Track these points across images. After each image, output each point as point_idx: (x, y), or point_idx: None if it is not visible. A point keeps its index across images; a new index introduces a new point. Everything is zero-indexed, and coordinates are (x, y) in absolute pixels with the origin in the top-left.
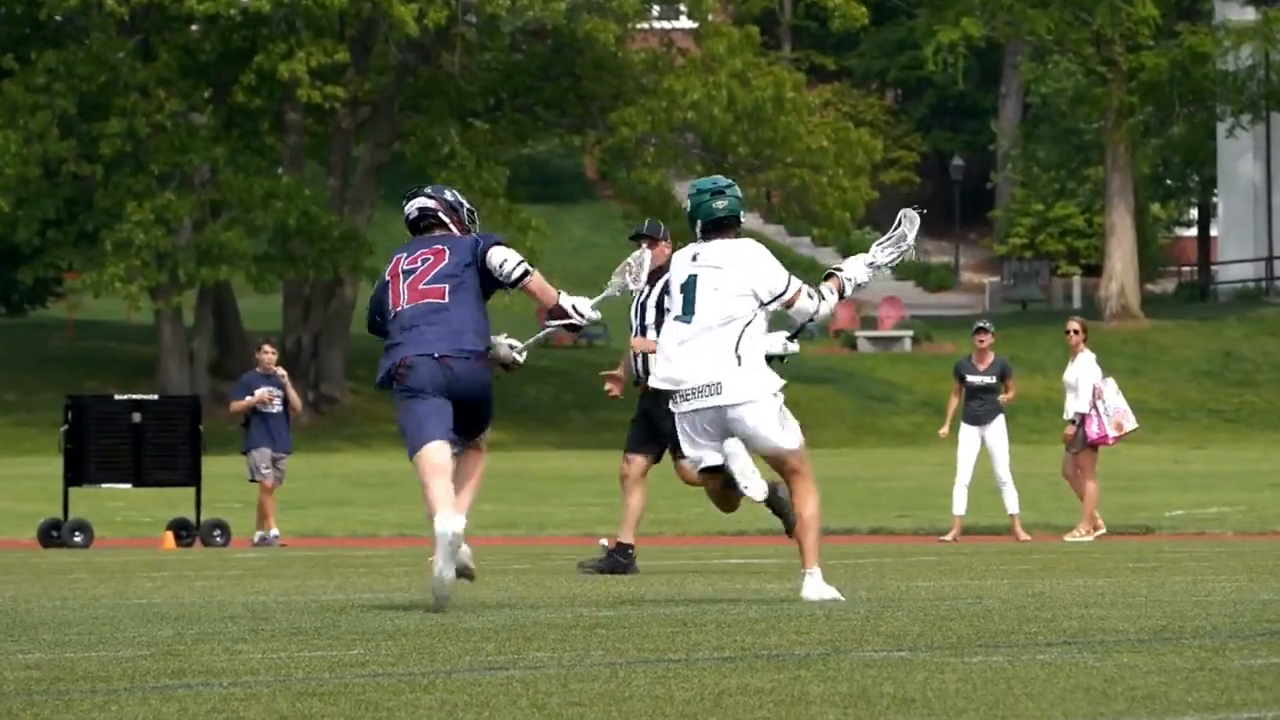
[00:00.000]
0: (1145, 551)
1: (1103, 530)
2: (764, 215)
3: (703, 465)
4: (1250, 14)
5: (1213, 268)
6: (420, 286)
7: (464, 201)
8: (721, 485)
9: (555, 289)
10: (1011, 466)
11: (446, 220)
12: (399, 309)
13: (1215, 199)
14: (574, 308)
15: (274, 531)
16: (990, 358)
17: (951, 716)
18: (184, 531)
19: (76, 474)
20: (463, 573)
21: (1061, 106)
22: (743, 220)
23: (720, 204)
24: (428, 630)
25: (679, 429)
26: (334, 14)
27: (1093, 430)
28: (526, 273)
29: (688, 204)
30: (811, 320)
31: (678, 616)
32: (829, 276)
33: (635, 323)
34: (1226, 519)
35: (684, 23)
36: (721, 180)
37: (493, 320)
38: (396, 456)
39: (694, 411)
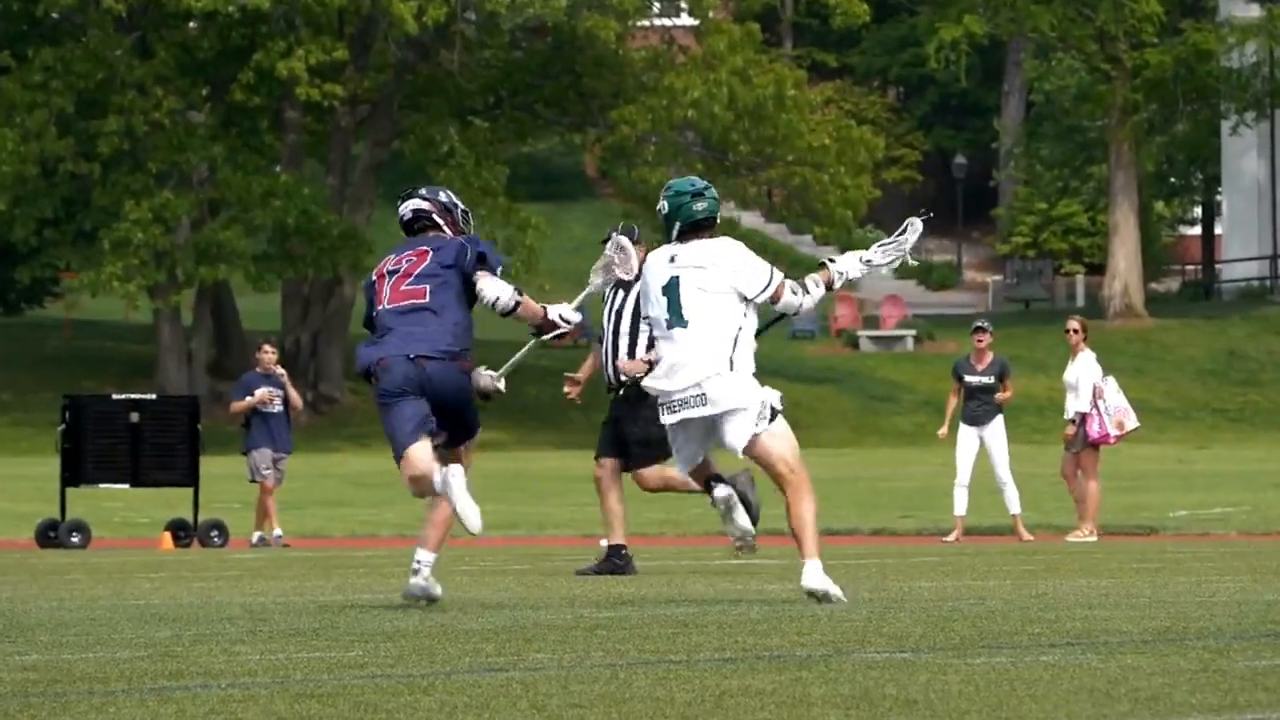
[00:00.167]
0: (1149, 552)
1: (1078, 532)
2: (765, 214)
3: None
4: (1255, 11)
5: (1217, 266)
6: (403, 287)
7: (458, 203)
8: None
9: (538, 303)
10: (1012, 466)
11: (441, 222)
12: (380, 308)
13: (1219, 197)
14: (561, 317)
15: (277, 532)
16: (989, 358)
17: (954, 718)
18: (182, 532)
19: (74, 474)
20: (425, 596)
21: (1065, 104)
22: (740, 222)
23: (700, 206)
24: (427, 631)
25: (670, 436)
26: (333, 11)
27: (1094, 429)
28: (518, 302)
29: (664, 205)
30: (795, 314)
31: (678, 617)
32: (821, 266)
33: (608, 326)
34: (1231, 519)
35: (685, 20)
36: (699, 182)
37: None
38: None
39: (682, 422)
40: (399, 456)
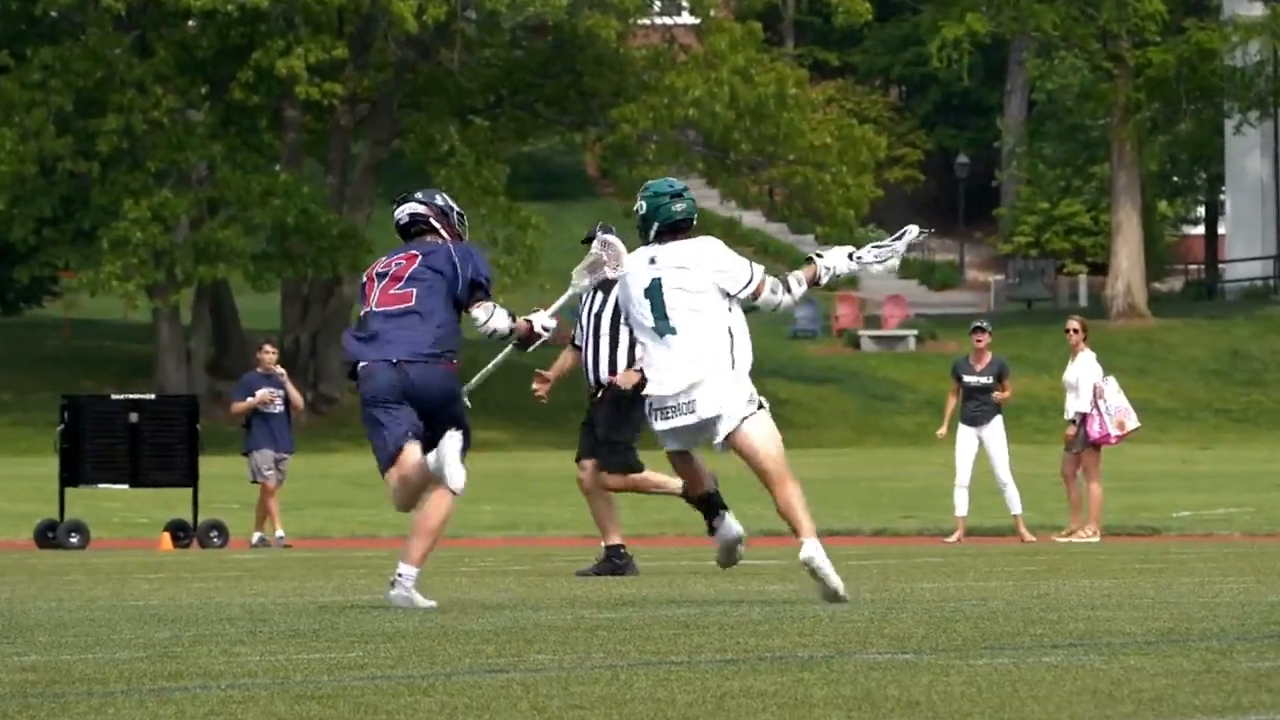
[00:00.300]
0: (1152, 553)
1: (1080, 533)
2: (766, 213)
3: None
4: (1259, 9)
5: (1220, 266)
6: (391, 290)
7: (454, 206)
8: (685, 463)
9: (517, 316)
10: (1013, 467)
11: (437, 225)
12: (368, 309)
13: (1223, 196)
14: (543, 327)
15: (280, 533)
16: (988, 358)
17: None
18: (181, 532)
19: (73, 474)
20: (403, 605)
21: (1067, 103)
22: (741, 221)
23: (679, 207)
24: (427, 632)
25: (659, 438)
26: (332, 10)
27: (1094, 430)
28: (512, 329)
29: (641, 206)
30: (774, 311)
31: (679, 618)
32: (808, 261)
33: (588, 328)
34: (1234, 520)
35: (686, 19)
36: (677, 183)
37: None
38: None
39: (671, 430)
40: (386, 463)
